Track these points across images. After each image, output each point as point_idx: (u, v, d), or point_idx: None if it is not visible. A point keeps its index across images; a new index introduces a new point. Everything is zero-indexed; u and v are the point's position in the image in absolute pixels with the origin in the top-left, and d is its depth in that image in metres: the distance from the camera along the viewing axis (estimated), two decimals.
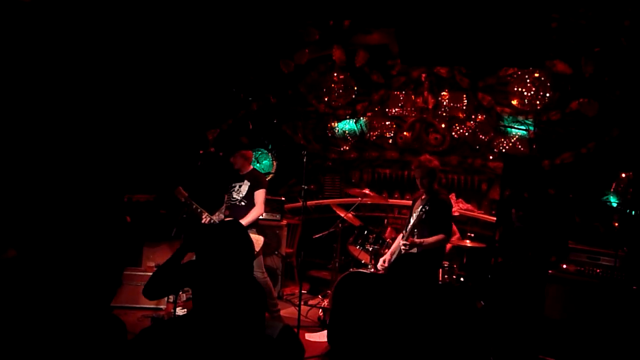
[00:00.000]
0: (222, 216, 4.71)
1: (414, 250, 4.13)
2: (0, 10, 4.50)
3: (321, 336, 4.57)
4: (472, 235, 5.09)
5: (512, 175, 5.09)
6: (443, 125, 6.49)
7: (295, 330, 4.22)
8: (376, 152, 6.95)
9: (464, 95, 6.35)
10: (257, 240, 4.50)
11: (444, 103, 6.41)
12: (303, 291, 5.17)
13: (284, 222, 6.13)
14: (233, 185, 4.73)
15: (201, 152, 6.75)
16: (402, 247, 4.08)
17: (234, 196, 4.66)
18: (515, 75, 5.98)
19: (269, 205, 4.77)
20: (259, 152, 7.14)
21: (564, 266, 4.48)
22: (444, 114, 6.44)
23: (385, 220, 6.56)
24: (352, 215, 5.52)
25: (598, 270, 4.33)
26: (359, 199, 5.42)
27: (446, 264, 4.80)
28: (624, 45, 5.32)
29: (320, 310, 5.21)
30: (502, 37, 4.07)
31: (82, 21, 5.12)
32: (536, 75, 5.85)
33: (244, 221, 4.45)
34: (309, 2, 5.96)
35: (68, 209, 4.88)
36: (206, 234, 2.09)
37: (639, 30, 5.18)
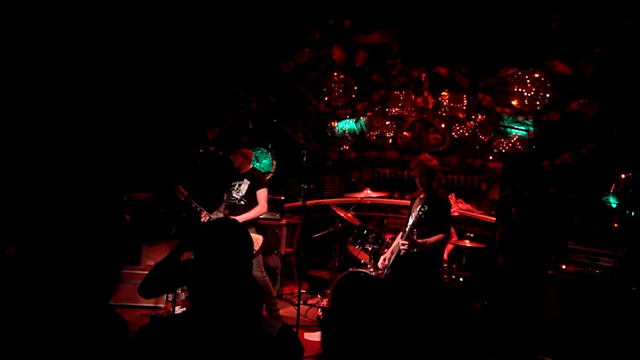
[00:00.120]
0: (221, 215, 4.70)
1: (414, 250, 4.12)
2: (0, 10, 4.51)
3: (320, 336, 4.57)
4: (472, 235, 5.08)
5: (512, 174, 5.09)
6: (443, 125, 6.49)
7: (295, 329, 4.22)
8: (376, 151, 6.94)
9: (464, 96, 6.35)
10: (257, 239, 4.50)
11: (444, 103, 6.41)
12: (302, 290, 5.18)
13: (284, 221, 6.13)
14: (233, 184, 4.72)
15: (201, 150, 6.75)
16: (402, 247, 4.07)
17: (234, 195, 4.66)
18: (515, 76, 5.98)
19: (268, 204, 4.77)
20: (259, 151, 7.14)
21: (563, 267, 4.48)
22: (444, 114, 6.44)
23: (385, 220, 6.56)
24: (352, 214, 5.52)
25: (597, 271, 4.33)
26: (359, 198, 5.43)
27: (445, 264, 4.81)
28: (624, 45, 5.31)
29: (320, 309, 5.21)
30: (502, 37, 4.07)
31: (82, 21, 5.12)
32: (536, 75, 5.85)
33: (245, 216, 4.45)
34: (309, 2, 5.96)
35: (68, 207, 4.88)
36: (203, 231, 2.09)
37: (639, 30, 5.18)
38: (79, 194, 5.09)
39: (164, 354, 1.77)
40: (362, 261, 5.17)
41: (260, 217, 4.73)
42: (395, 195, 6.76)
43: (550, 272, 4.43)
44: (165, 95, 6.21)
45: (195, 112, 6.62)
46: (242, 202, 4.61)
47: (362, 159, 7.04)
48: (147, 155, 5.99)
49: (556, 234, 5.20)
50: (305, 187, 4.65)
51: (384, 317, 2.07)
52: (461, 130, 6.38)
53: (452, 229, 5.13)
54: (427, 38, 4.29)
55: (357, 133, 6.93)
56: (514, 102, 5.99)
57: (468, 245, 4.88)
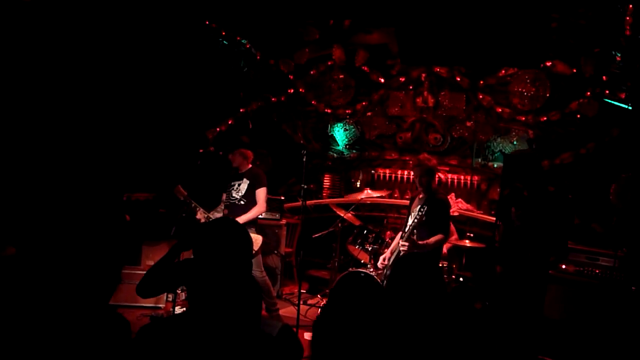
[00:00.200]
0: (219, 215, 4.70)
1: (414, 251, 4.11)
2: (0, 10, 4.51)
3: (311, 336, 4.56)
4: (472, 235, 5.08)
5: (512, 174, 5.08)
6: (443, 125, 6.49)
7: (295, 329, 4.22)
8: (376, 152, 6.95)
9: (464, 96, 6.35)
10: (256, 239, 4.49)
11: (444, 103, 6.41)
12: (302, 290, 5.17)
13: (283, 221, 6.13)
14: (232, 183, 4.72)
15: (201, 150, 6.76)
16: (402, 248, 4.06)
17: (233, 195, 4.65)
18: (515, 76, 5.97)
19: (268, 204, 4.77)
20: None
21: (563, 266, 4.48)
22: (444, 114, 6.44)
23: (385, 220, 6.56)
24: (352, 214, 5.52)
25: (597, 271, 4.33)
26: (359, 198, 5.43)
27: (445, 264, 4.80)
28: (623, 45, 5.31)
29: (320, 309, 5.21)
30: (502, 37, 4.08)
31: (82, 21, 5.13)
32: (536, 75, 5.85)
33: (245, 217, 4.45)
34: (309, 1, 5.96)
35: (67, 207, 4.88)
36: (202, 231, 2.09)
37: (639, 30, 5.17)
38: (78, 194, 5.09)
39: (164, 354, 1.77)
40: (362, 261, 5.16)
41: (260, 216, 4.73)
42: (395, 195, 6.76)
43: (550, 272, 4.43)
44: (165, 96, 6.21)
45: (195, 112, 6.62)
46: (242, 202, 4.61)
47: (362, 159, 7.04)
48: (147, 155, 5.99)
49: (556, 234, 5.20)
50: (305, 187, 4.65)
51: (384, 317, 2.07)
52: (461, 130, 6.38)
53: (453, 227, 5.13)
54: (426, 38, 4.30)
55: (355, 137, 6.95)
56: (514, 102, 5.99)
57: (468, 245, 4.87)
